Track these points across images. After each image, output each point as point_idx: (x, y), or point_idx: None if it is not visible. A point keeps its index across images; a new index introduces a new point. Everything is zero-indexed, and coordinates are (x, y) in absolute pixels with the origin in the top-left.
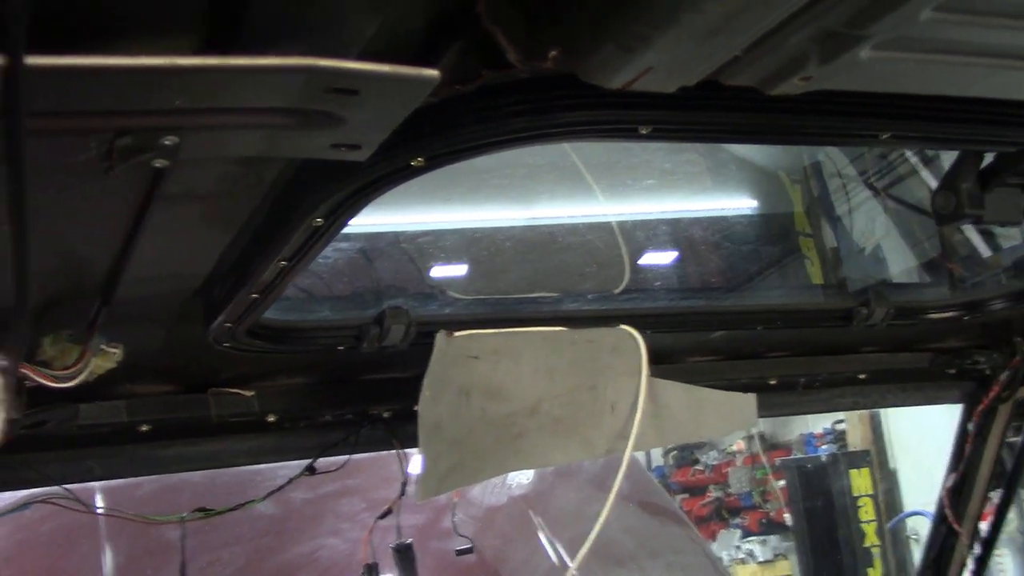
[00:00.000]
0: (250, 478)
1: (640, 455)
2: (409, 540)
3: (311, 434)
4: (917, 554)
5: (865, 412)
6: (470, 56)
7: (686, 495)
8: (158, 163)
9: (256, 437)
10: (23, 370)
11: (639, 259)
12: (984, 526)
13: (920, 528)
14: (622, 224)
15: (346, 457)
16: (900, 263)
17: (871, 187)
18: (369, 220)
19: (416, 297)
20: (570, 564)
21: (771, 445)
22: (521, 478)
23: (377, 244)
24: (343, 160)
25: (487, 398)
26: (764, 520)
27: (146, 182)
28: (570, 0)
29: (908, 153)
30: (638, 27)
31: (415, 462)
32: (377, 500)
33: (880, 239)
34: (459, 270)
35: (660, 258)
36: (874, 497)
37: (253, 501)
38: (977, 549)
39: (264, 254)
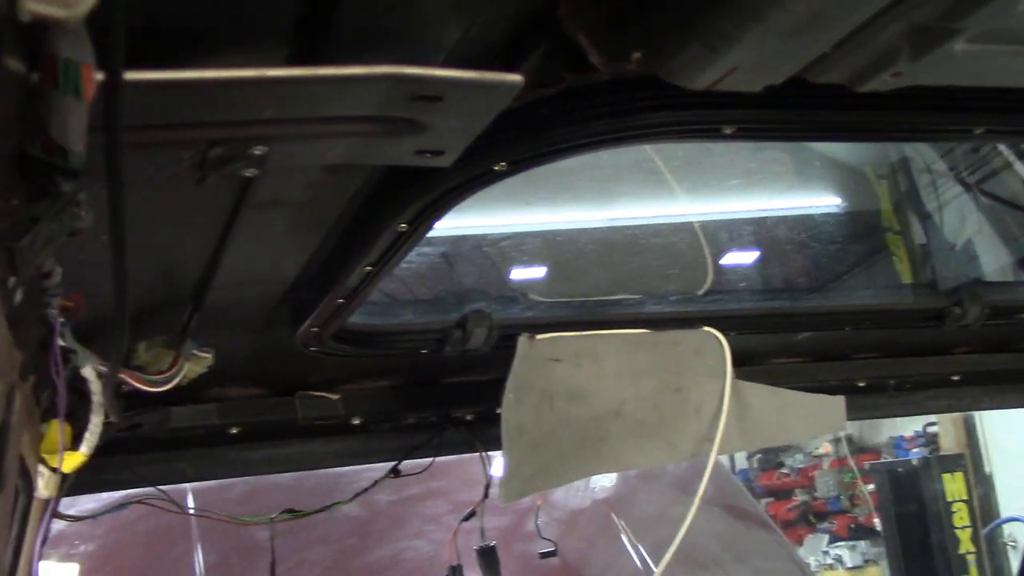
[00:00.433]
0: (336, 480)
1: (724, 459)
2: (493, 542)
3: (395, 437)
4: (1015, 561)
5: (959, 414)
6: (552, 60)
7: (771, 499)
8: (248, 172)
9: (342, 439)
10: (121, 375)
11: (722, 260)
12: None
13: (1017, 534)
14: (704, 224)
15: (430, 460)
16: (993, 261)
17: (962, 182)
18: (451, 224)
19: (498, 300)
20: (654, 568)
21: (859, 448)
22: (604, 481)
23: (459, 248)
24: (427, 166)
25: (570, 401)
26: (853, 525)
27: (236, 191)
28: (654, 1)
29: (1002, 146)
30: (724, 26)
31: (498, 465)
32: (461, 502)
33: (972, 236)
34: (541, 272)
35: (744, 258)
36: (969, 502)
37: (339, 503)
38: None
39: (350, 259)
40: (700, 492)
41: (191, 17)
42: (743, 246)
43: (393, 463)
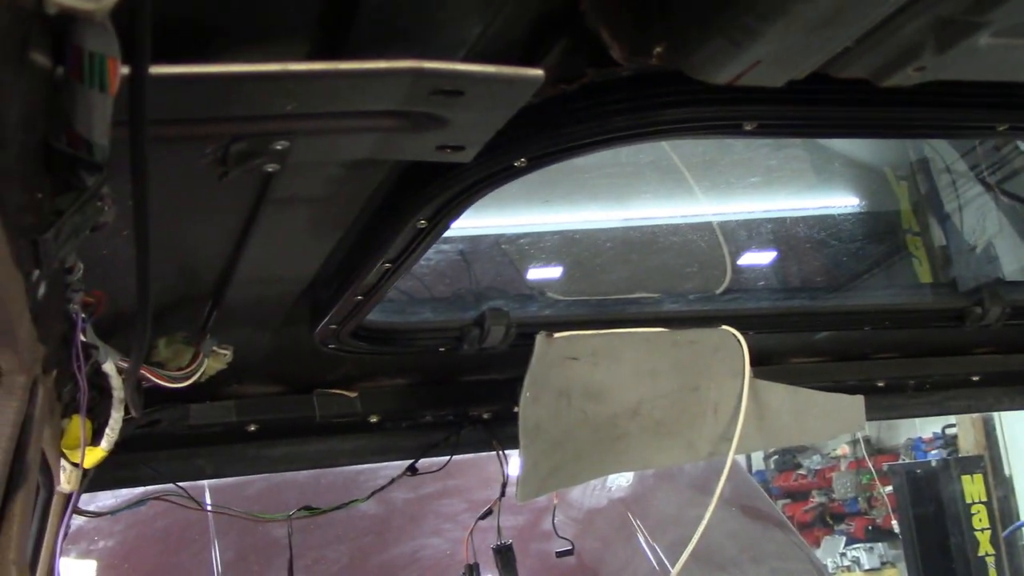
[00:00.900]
0: (353, 478)
1: (740, 459)
2: (509, 541)
3: (412, 435)
4: None
5: (978, 416)
6: (574, 55)
7: (788, 500)
8: (269, 167)
9: (359, 437)
10: (142, 371)
11: (741, 259)
12: None
13: None
14: (723, 223)
15: (447, 458)
16: (1014, 261)
17: (983, 182)
18: (470, 222)
19: (516, 298)
20: (670, 568)
21: (877, 450)
22: (621, 480)
23: (477, 246)
24: (447, 162)
25: (587, 399)
26: (870, 527)
27: (256, 186)
28: None
29: (1023, 145)
30: (747, 20)
31: (515, 463)
32: (478, 501)
33: (992, 237)
34: (558, 271)
35: (762, 257)
36: (988, 504)
37: (357, 500)
38: None
39: (368, 256)
40: (717, 492)
41: (214, 13)
42: (762, 245)
43: (410, 461)
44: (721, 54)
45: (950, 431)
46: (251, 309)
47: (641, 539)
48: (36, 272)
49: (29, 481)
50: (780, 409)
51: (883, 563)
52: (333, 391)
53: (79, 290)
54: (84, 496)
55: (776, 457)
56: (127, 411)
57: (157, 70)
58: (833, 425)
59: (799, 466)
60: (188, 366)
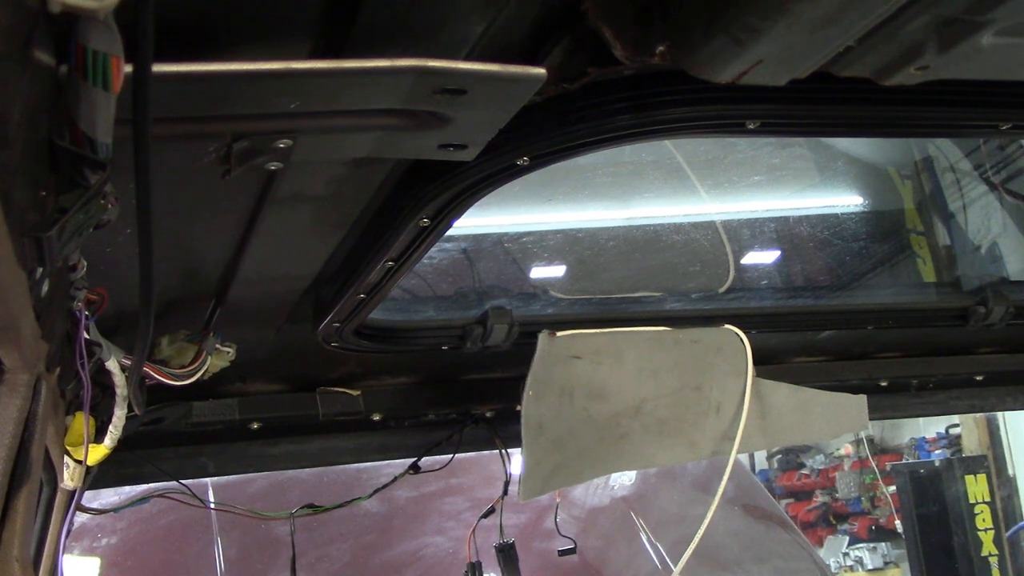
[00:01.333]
0: (356, 476)
1: (743, 459)
2: (512, 540)
3: (415, 433)
4: None
5: (981, 416)
6: (576, 54)
7: (791, 500)
8: (272, 166)
9: (362, 435)
10: (145, 368)
11: (744, 258)
12: None
13: None
14: (726, 222)
15: (450, 456)
16: (1019, 261)
17: (987, 181)
18: (472, 221)
19: (519, 297)
20: (673, 567)
21: (880, 450)
22: (624, 479)
23: (480, 245)
24: (450, 160)
25: (590, 398)
26: (873, 527)
27: (259, 185)
28: None
29: None
30: (749, 18)
31: (517, 462)
32: (480, 499)
33: (997, 236)
34: (561, 270)
35: (766, 256)
36: (991, 504)
37: (359, 498)
38: None
39: (371, 255)
40: (720, 491)
41: (217, 11)
42: (765, 244)
43: (413, 459)
44: (723, 53)
45: (954, 431)
46: (254, 307)
47: (644, 538)
48: (40, 270)
49: (32, 478)
50: (783, 408)
51: (886, 563)
52: (336, 389)
53: (82, 288)
54: (87, 493)
55: (779, 456)
56: (130, 409)
57: (160, 68)
58: (836, 424)
59: (802, 465)
60: (191, 364)
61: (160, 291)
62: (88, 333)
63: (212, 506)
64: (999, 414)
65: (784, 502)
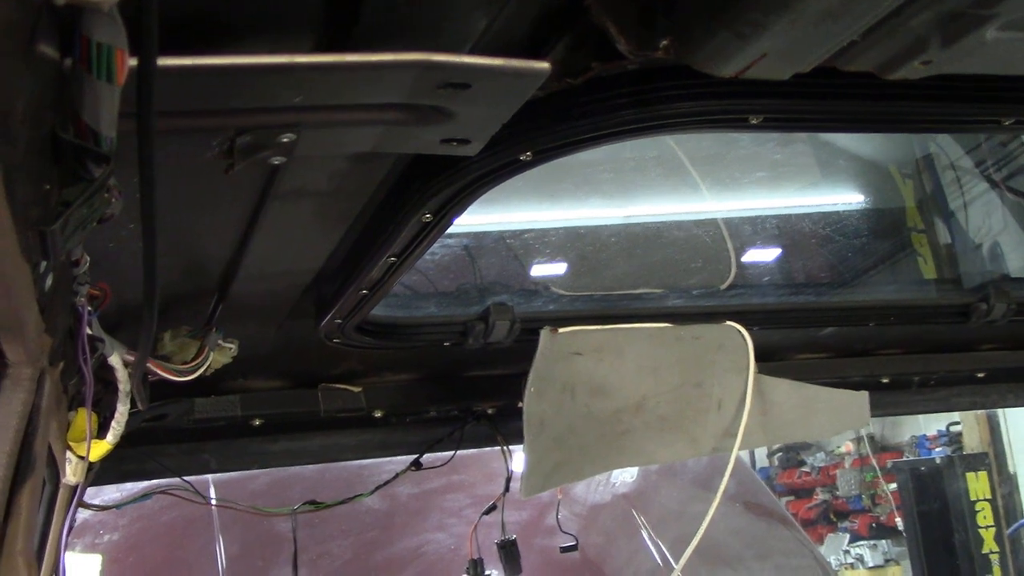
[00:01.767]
0: (357, 473)
1: (744, 456)
2: (513, 536)
3: (417, 430)
4: None
5: (982, 413)
6: (579, 49)
7: (792, 497)
8: (276, 160)
9: (363, 432)
10: (148, 364)
11: (745, 254)
12: None
13: None
14: (728, 219)
15: (452, 453)
16: (1020, 258)
17: (988, 179)
18: (474, 218)
19: (520, 293)
20: (674, 564)
21: (881, 447)
22: (625, 476)
23: (482, 241)
24: (452, 155)
25: (591, 395)
26: (874, 524)
27: (262, 180)
28: None
29: None
30: (753, 13)
31: (519, 459)
32: (482, 496)
33: (998, 234)
34: (563, 266)
35: (767, 253)
36: (992, 501)
37: (361, 495)
38: None
39: (373, 250)
40: (721, 488)
41: (221, 4)
42: (767, 241)
43: (415, 456)
44: (727, 47)
45: (954, 428)
46: (256, 303)
47: (645, 535)
48: (43, 263)
49: (36, 473)
50: (784, 405)
51: (887, 560)
52: (337, 386)
53: (85, 283)
54: (89, 490)
55: (780, 454)
56: (133, 404)
57: (164, 61)
58: (837, 421)
59: (803, 463)
60: (193, 360)
61: (162, 286)
62: (91, 328)
63: (214, 503)
64: (1000, 411)
65: (785, 500)
